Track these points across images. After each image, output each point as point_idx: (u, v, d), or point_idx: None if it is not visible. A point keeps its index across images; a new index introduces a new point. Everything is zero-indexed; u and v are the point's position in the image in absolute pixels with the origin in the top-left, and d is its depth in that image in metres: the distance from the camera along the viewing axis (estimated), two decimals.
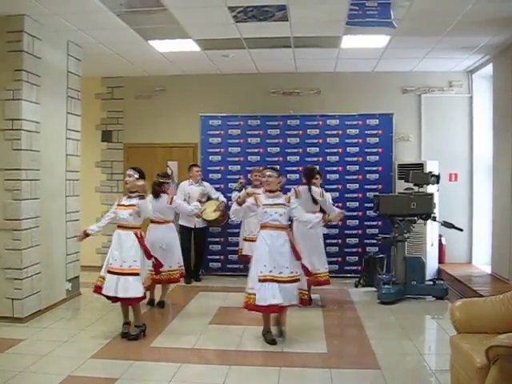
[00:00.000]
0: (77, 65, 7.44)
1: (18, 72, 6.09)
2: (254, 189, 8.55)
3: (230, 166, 9.15)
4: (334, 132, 9.00)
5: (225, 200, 8.59)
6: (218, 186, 9.01)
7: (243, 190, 8.36)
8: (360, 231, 8.82)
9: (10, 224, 6.11)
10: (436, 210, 7.49)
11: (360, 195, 8.85)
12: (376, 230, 8.54)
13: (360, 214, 8.86)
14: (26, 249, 6.19)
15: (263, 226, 5.56)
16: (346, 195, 8.86)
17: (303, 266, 5.62)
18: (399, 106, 9.13)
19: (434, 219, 7.46)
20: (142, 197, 5.66)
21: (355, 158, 8.92)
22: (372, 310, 6.85)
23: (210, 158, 9.21)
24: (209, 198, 8.60)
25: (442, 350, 4.97)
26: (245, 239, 8.50)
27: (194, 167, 8.61)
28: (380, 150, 8.93)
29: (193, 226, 8.50)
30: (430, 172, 7.64)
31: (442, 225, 7.58)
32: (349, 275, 8.64)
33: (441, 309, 6.89)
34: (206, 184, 8.71)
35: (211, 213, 8.40)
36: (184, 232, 8.51)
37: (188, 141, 9.46)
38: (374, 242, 8.37)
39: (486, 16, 6.21)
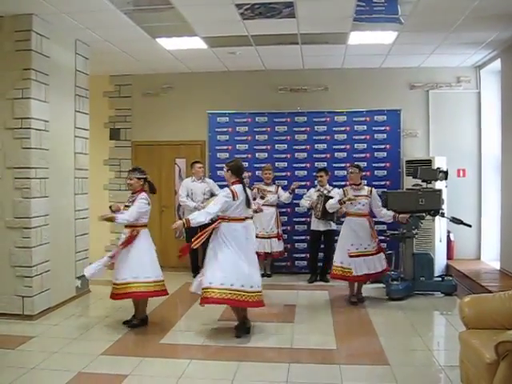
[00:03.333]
0: (85, 63, 7.47)
1: (26, 71, 6.13)
2: (265, 186, 8.61)
3: None
4: (342, 128, 8.99)
5: None
6: (225, 183, 8.99)
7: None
8: None
9: (19, 222, 6.15)
10: (444, 206, 7.47)
11: None
12: (384, 227, 8.51)
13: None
14: (35, 246, 6.23)
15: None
16: None
17: None
18: (407, 102, 9.10)
19: (443, 215, 7.44)
20: None
21: (363, 155, 8.91)
22: (381, 306, 6.85)
23: (218, 155, 9.22)
24: (212, 195, 8.60)
25: (451, 345, 4.95)
26: (256, 236, 8.50)
27: (196, 164, 8.63)
28: (388, 146, 8.91)
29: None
30: (438, 168, 7.62)
31: (450, 221, 7.55)
32: None
33: (449, 305, 6.89)
34: (209, 181, 8.72)
35: None
36: (189, 229, 8.51)
37: (196, 138, 9.47)
38: (383, 238, 8.35)
39: (493, 11, 6.18)
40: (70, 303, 6.96)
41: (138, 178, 5.97)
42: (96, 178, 9.01)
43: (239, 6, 6.10)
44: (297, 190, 8.49)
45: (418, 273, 7.35)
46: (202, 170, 8.64)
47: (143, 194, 5.93)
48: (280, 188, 8.67)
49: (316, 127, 9.05)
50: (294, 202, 8.67)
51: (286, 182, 8.92)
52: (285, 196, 8.51)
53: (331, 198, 7.61)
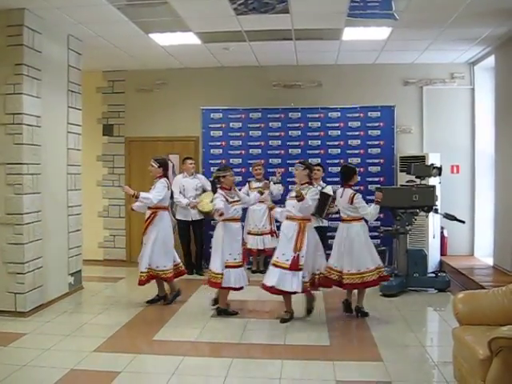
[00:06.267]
0: (77, 58, 7.42)
1: (18, 66, 6.08)
2: (256, 182, 8.58)
3: (231, 159, 9.13)
4: (336, 124, 8.99)
5: None
6: None
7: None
8: None
9: (11, 218, 6.11)
10: (438, 203, 7.48)
11: (362, 188, 8.78)
12: (378, 223, 8.51)
13: None
14: (28, 243, 6.19)
15: None
16: None
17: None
18: (401, 98, 9.10)
19: (436, 211, 7.45)
20: None
21: (357, 151, 8.91)
22: (374, 302, 6.84)
23: (212, 151, 9.20)
24: (204, 191, 8.58)
25: (444, 342, 4.96)
26: (249, 233, 8.48)
27: (187, 160, 8.62)
28: (382, 142, 8.92)
29: (190, 219, 8.50)
30: (432, 164, 7.63)
31: (443, 217, 7.58)
32: None
33: (443, 301, 6.90)
34: (201, 176, 8.71)
35: (207, 204, 8.33)
36: (182, 226, 8.49)
37: (189, 134, 9.45)
38: (376, 234, 8.35)
39: (487, 7, 6.18)
40: (62, 300, 6.92)
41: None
42: (89, 174, 8.98)
43: (233, 1, 6.07)
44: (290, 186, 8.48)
45: (412, 269, 7.35)
46: (192, 167, 8.60)
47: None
48: (272, 183, 8.64)
49: (310, 123, 9.05)
50: None
51: (279, 178, 8.89)
52: (275, 190, 8.43)
53: (327, 194, 7.48)
